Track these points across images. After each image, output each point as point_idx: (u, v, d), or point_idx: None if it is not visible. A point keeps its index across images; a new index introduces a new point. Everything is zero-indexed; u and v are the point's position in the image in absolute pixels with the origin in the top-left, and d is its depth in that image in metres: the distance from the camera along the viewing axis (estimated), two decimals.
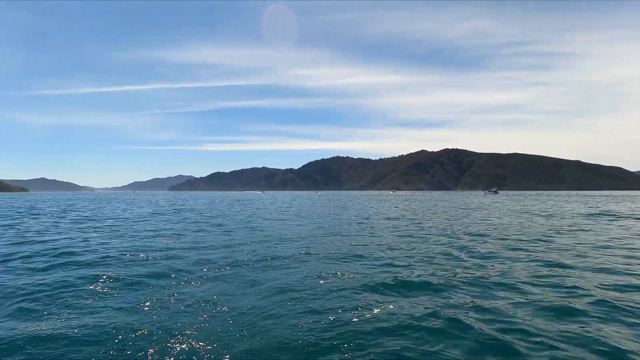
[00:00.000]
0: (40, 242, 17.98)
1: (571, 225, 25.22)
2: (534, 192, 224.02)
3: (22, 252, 15.07)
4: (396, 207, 53.65)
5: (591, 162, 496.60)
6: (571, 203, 62.15)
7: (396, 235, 20.32)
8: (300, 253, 14.53)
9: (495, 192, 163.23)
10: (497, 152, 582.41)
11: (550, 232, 21.49)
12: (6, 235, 20.95)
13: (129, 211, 43.90)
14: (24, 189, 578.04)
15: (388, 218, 32.63)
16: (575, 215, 35.73)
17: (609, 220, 30.25)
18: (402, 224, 26.57)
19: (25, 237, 19.96)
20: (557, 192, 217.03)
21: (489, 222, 28.48)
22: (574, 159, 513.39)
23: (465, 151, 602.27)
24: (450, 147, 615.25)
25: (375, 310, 7.89)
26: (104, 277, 10.74)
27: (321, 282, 10.18)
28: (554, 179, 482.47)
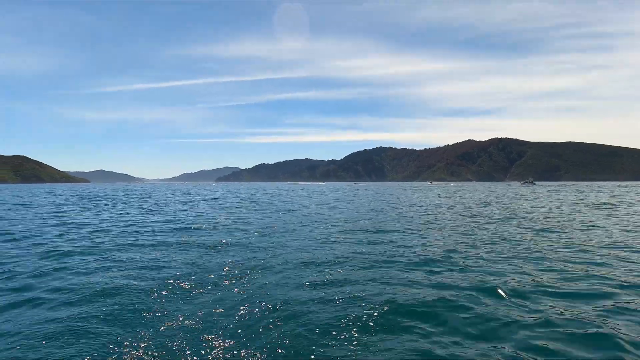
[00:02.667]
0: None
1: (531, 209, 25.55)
2: (585, 183, 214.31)
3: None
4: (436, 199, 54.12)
5: None
6: (605, 194, 60.00)
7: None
8: None
9: (532, 182, 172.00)
10: (550, 140, 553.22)
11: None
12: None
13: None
14: (86, 180, 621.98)
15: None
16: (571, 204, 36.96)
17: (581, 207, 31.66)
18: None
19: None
20: (614, 183, 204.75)
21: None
22: (637, 147, 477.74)
23: (515, 140, 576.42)
24: (500, 137, 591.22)
25: None
26: None
27: None
28: (613, 169, 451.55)
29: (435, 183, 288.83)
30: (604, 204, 37.52)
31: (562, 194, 61.56)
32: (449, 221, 22.83)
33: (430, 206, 36.20)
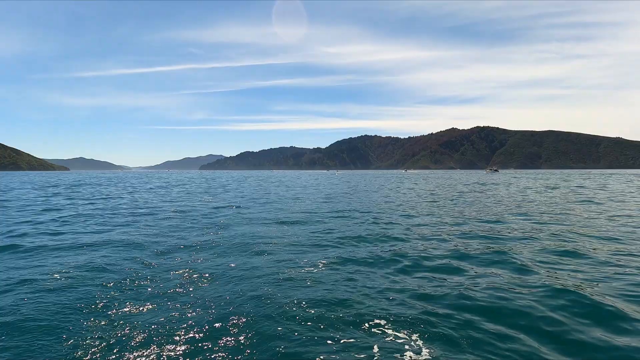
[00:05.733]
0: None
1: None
2: (557, 171, 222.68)
3: None
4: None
5: (633, 139, 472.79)
6: (561, 181, 63.53)
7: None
8: None
9: (496, 170, 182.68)
10: (532, 129, 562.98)
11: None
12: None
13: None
14: (65, 168, 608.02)
15: None
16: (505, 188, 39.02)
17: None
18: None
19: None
20: (589, 171, 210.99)
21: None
22: (614, 136, 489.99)
23: (497, 129, 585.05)
24: (482, 125, 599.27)
25: None
26: None
27: None
28: (591, 157, 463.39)
29: (410, 171, 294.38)
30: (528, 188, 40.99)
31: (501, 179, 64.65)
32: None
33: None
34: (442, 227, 14.67)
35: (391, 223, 15.64)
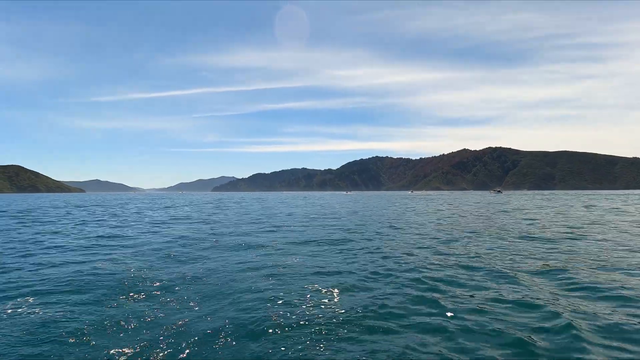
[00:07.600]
0: None
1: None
2: (565, 191, 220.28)
3: None
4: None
5: None
6: (573, 201, 63.01)
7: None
8: None
9: (499, 192, 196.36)
10: (544, 149, 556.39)
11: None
12: None
13: None
14: (81, 190, 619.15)
15: None
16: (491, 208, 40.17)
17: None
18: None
19: None
20: (603, 192, 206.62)
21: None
22: (630, 156, 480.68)
23: (509, 149, 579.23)
24: (494, 146, 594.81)
25: None
26: None
27: None
28: (607, 178, 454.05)
29: (416, 192, 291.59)
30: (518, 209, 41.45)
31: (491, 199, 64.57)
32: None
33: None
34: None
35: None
